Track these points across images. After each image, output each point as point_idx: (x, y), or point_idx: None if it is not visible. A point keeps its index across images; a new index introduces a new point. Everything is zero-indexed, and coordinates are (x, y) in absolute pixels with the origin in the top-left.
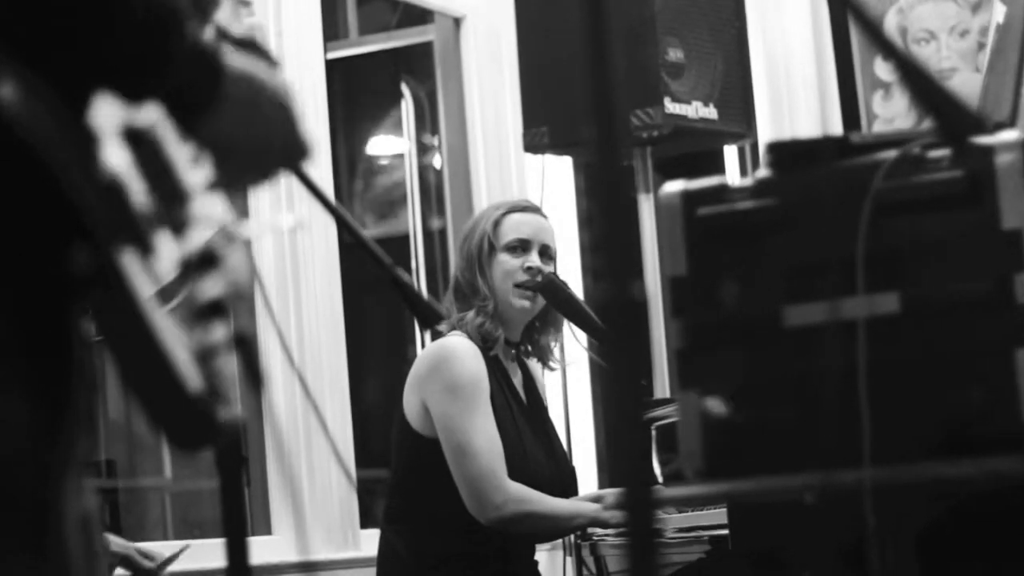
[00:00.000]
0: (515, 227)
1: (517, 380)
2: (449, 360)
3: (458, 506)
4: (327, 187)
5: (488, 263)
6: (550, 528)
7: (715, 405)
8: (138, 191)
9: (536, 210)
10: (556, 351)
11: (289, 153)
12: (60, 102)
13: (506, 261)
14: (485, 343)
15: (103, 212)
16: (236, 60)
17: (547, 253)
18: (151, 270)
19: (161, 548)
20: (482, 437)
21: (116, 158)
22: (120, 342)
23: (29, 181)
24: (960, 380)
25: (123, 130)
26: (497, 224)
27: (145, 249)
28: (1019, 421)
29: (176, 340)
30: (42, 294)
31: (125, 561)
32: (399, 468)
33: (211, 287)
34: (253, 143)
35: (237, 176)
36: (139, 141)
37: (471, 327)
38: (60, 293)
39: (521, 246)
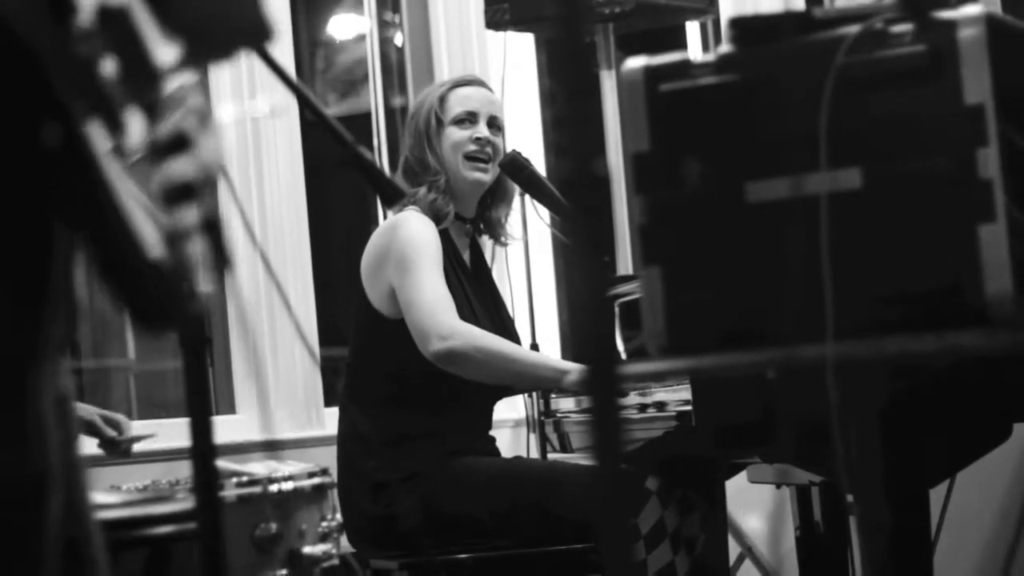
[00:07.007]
0: (461, 100)
1: (466, 256)
2: (400, 230)
3: (418, 384)
4: (288, 66)
5: (437, 138)
6: (505, 369)
7: None
8: (111, 68)
9: (481, 83)
10: (507, 226)
11: (252, 32)
12: None
13: (455, 134)
14: (436, 218)
15: (78, 86)
16: None
17: (495, 124)
18: (121, 148)
19: (128, 421)
20: (433, 283)
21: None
22: (90, 224)
23: (4, 55)
24: (923, 255)
25: (98, 8)
26: (443, 99)
27: (115, 126)
28: (982, 296)
29: (145, 221)
30: (20, 182)
31: (89, 427)
32: (359, 347)
33: (182, 169)
34: (218, 22)
35: (202, 55)
36: (113, 19)
37: (423, 203)
38: (37, 179)
39: (469, 118)
